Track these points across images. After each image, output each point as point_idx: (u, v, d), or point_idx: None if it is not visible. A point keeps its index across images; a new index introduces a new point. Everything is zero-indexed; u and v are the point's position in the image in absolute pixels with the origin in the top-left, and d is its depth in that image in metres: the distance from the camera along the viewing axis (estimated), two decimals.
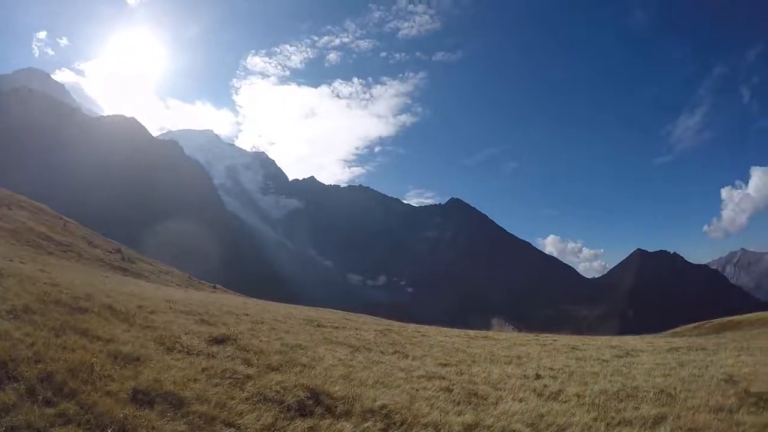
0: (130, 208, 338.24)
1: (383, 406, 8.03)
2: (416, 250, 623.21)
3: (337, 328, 20.33)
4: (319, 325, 20.22)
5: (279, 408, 7.34)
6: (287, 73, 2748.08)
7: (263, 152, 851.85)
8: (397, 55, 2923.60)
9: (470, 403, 9.16)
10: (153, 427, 5.96)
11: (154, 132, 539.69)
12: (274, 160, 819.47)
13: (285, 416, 7.14)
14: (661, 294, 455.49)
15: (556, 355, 17.37)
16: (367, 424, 7.28)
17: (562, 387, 11.08)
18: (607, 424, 8.25)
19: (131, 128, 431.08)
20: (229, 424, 6.54)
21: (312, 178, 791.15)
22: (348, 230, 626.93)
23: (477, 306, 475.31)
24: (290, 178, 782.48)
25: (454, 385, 10.53)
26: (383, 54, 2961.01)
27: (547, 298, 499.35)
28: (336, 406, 7.91)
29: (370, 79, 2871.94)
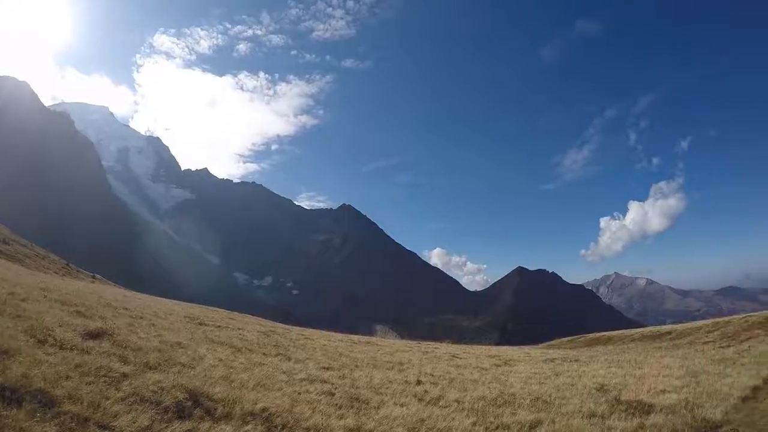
0: (8, 179, 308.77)
1: (264, 409, 7.87)
2: (304, 253, 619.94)
3: (219, 327, 19.82)
4: (201, 324, 19.62)
5: (156, 409, 6.90)
6: (194, 57, 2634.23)
7: (158, 137, 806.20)
8: (308, 55, 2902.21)
9: (352, 407, 9.25)
10: (21, 429, 5.38)
11: (47, 101, 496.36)
12: (168, 147, 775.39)
13: (162, 418, 6.73)
14: (539, 309, 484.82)
15: (437, 362, 17.86)
16: (247, 428, 7.09)
17: (443, 393, 11.46)
18: (486, 428, 8.64)
19: (22, 94, 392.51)
20: (103, 427, 6.05)
21: (205, 170, 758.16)
22: (237, 227, 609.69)
23: (361, 312, 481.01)
24: (183, 168, 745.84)
25: (336, 389, 10.59)
26: (294, 52, 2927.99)
27: (430, 307, 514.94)
28: (216, 409, 7.61)
29: (276, 75, 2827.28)
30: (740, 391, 12.22)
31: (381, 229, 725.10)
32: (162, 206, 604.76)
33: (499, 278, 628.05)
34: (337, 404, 9.23)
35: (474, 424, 8.82)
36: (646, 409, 10.46)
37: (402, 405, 9.77)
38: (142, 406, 6.86)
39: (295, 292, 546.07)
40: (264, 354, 14.55)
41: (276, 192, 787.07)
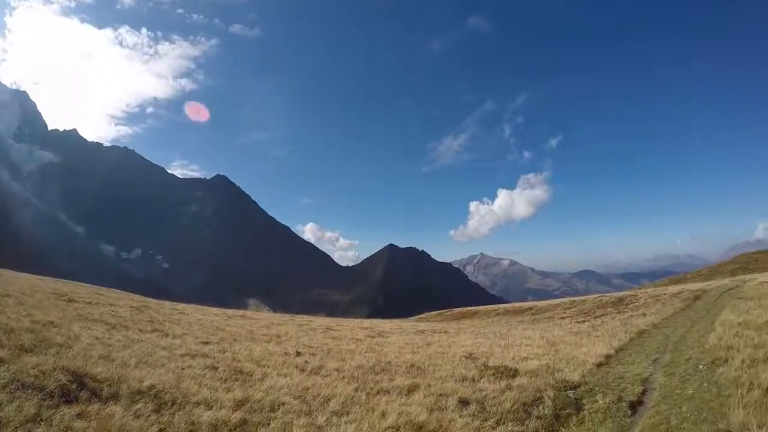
0: None
1: (151, 387, 7.71)
2: (175, 224, 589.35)
3: (90, 303, 18.97)
4: (70, 300, 18.71)
5: (41, 395, 6.57)
6: (73, 4, 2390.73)
7: (25, 92, 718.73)
8: (196, 15, 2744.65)
9: (237, 380, 9.29)
10: None
11: None
12: (35, 103, 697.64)
13: (49, 404, 6.42)
14: (408, 284, 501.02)
15: (313, 335, 18.18)
16: (137, 407, 6.89)
17: (323, 363, 11.78)
18: (368, 394, 9.04)
19: None
20: None
21: (74, 131, 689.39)
22: (105, 195, 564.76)
23: (233, 286, 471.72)
24: (50, 127, 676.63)
25: (218, 362, 10.56)
26: (181, 11, 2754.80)
27: (302, 282, 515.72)
28: (102, 389, 7.34)
29: (159, 33, 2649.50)
30: (595, 358, 13.72)
31: (255, 202, 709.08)
32: (24, 168, 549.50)
33: (371, 254, 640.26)
34: (221, 378, 9.25)
35: (356, 390, 9.23)
36: (511, 373, 11.44)
37: (285, 375, 9.99)
38: (26, 392, 6.54)
39: (165, 265, 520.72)
40: (140, 330, 14.15)
41: (148, 158, 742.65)
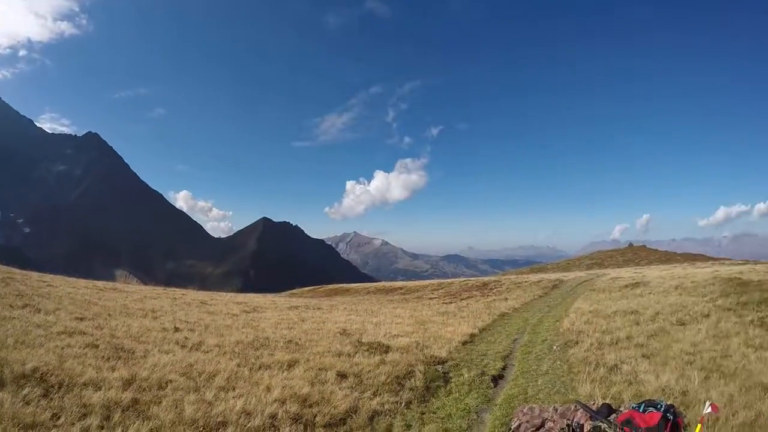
0: None
1: (35, 369, 7.29)
2: (40, 184, 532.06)
3: None
4: None
5: None
6: None
7: None
8: None
9: (120, 358, 9.02)
10: None
11: None
12: None
13: None
14: (281, 259, 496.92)
15: (188, 309, 17.87)
16: (25, 392, 6.49)
17: (202, 339, 11.77)
18: (250, 369, 9.23)
19: None
20: None
21: None
22: None
23: (100, 254, 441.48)
24: None
25: (98, 340, 10.11)
26: None
27: (173, 252, 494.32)
28: None
29: None
30: (460, 337, 14.89)
31: (127, 165, 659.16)
32: None
33: (245, 226, 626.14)
34: (104, 356, 8.91)
35: (238, 365, 9.39)
36: (384, 349, 12.13)
37: (167, 352, 9.87)
38: None
39: (26, 229, 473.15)
40: (10, 306, 13.02)
41: (15, 108, 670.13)
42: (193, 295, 25.25)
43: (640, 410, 7.09)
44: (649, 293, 21.96)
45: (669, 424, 6.73)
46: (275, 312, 20.03)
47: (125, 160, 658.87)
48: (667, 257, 76.21)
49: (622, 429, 6.86)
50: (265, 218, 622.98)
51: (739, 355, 10.44)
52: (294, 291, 55.28)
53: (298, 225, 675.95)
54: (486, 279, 48.57)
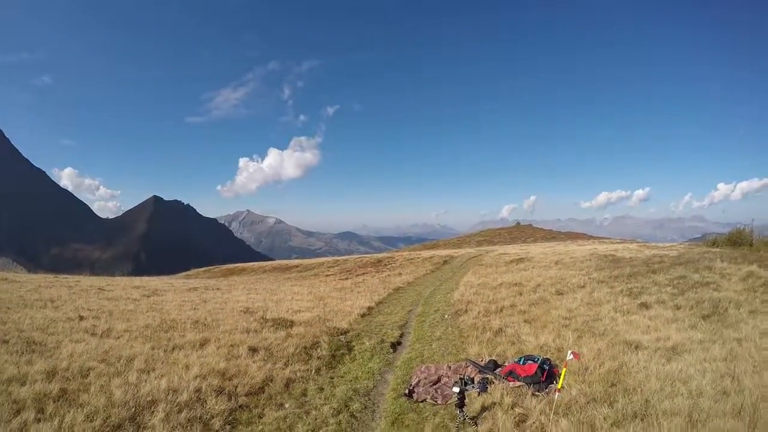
0: None
1: None
2: None
3: None
4: None
5: None
6: None
7: None
8: None
9: (34, 351, 8.81)
10: None
11: None
12: None
13: None
14: (173, 240, 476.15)
15: (87, 297, 17.36)
16: None
17: (110, 325, 11.67)
18: (165, 350, 9.47)
19: None
20: None
21: None
22: None
23: None
24: None
25: (6, 335, 9.76)
26: None
27: (57, 236, 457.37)
28: None
29: None
30: (359, 310, 15.81)
31: (7, 139, 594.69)
32: None
33: (134, 206, 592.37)
34: (17, 351, 8.68)
35: (153, 348, 9.52)
36: (288, 324, 12.69)
37: (79, 341, 9.72)
38: None
39: None
40: None
41: None
42: (87, 281, 24.27)
43: (521, 363, 8.31)
44: (533, 267, 23.76)
45: (545, 373, 7.92)
46: (176, 294, 19.87)
47: (5, 134, 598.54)
48: (552, 235, 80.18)
49: (505, 378, 8.02)
50: (155, 197, 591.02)
51: (609, 319, 11.96)
52: (189, 272, 54.06)
53: (190, 204, 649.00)
54: (380, 255, 49.83)
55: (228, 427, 6.72)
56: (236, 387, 7.83)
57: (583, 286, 16.78)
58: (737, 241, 25.18)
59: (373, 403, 7.95)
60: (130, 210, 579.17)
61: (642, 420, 6.02)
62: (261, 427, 6.83)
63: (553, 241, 62.67)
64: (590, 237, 75.29)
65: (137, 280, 28.15)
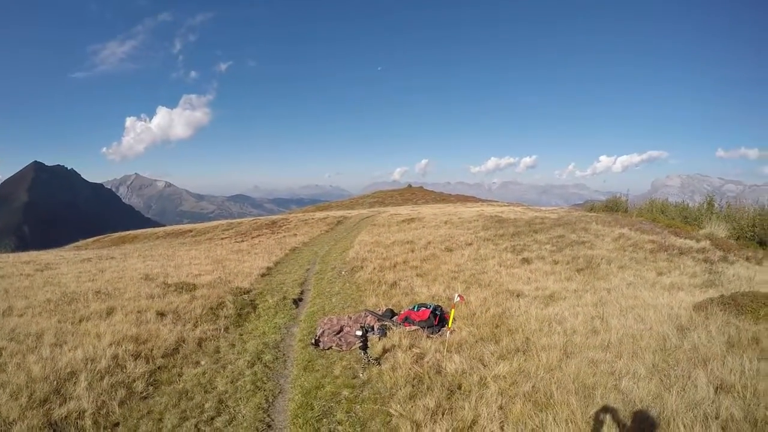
0: None
1: None
2: None
3: None
4: None
5: None
6: None
7: None
8: None
9: None
10: None
11: None
12: None
13: None
14: (58, 209, 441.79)
15: None
16: None
17: (9, 303, 11.02)
18: (73, 323, 9.29)
19: None
20: None
21: None
22: None
23: None
24: None
25: None
26: None
27: None
28: None
29: None
30: (259, 270, 16.07)
31: None
32: None
33: (13, 174, 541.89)
34: None
35: (59, 321, 9.23)
36: (191, 287, 12.67)
37: None
38: None
39: None
40: None
41: None
42: None
43: (415, 310, 9.04)
44: (423, 227, 24.84)
45: (437, 318, 8.69)
46: (70, 266, 18.89)
47: None
48: (442, 198, 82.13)
49: (402, 324, 8.70)
50: (36, 163, 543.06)
51: (494, 272, 13.18)
52: (78, 244, 51.02)
53: (74, 168, 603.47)
54: (275, 217, 49.56)
55: (151, 388, 6.84)
56: (152, 350, 7.91)
57: (470, 244, 17.93)
58: (613, 207, 27.95)
59: (284, 354, 8.37)
60: (8, 179, 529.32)
61: (524, 354, 7.01)
62: (182, 384, 7.01)
63: (444, 203, 64.62)
64: (479, 200, 78.28)
65: (25, 256, 26.32)
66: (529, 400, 5.62)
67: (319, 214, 46.38)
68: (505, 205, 49.78)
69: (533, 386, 5.94)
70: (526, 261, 14.35)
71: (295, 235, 28.85)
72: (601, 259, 13.61)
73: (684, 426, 4.79)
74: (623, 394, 5.56)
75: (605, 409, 5.21)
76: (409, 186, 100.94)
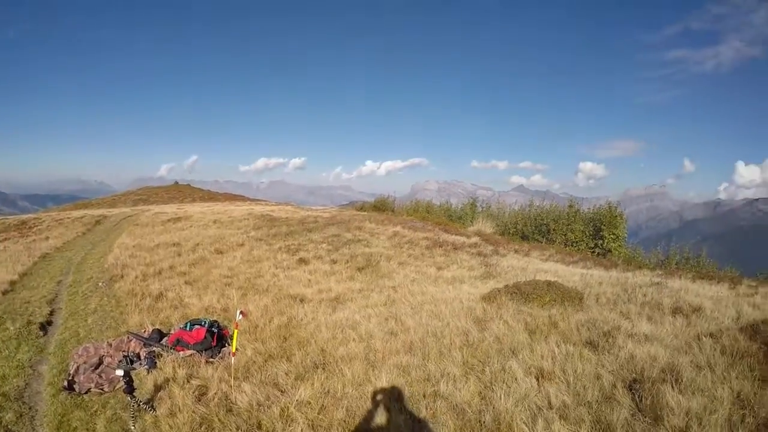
0: None
1: None
2: None
3: None
4: None
5: None
6: None
7: None
8: None
9: None
10: None
11: None
12: None
13: None
14: None
15: None
16: None
17: None
18: None
19: None
20: None
21: None
22: None
23: None
24: None
25: None
26: None
27: None
28: None
29: None
30: None
31: None
32: None
33: None
34: None
35: None
36: None
37: None
38: None
39: None
40: None
41: None
42: None
43: (188, 329, 7.67)
44: (191, 227, 22.92)
45: (215, 336, 7.49)
46: None
47: None
48: (210, 196, 77.74)
49: (174, 349, 7.30)
50: None
51: (270, 275, 12.30)
52: None
53: None
54: (24, 217, 41.95)
55: None
56: None
57: (242, 245, 16.88)
58: (381, 207, 29.71)
59: (30, 408, 6.07)
60: None
61: (324, 369, 6.13)
62: None
63: (212, 202, 61.89)
64: (248, 199, 76.57)
65: None
66: (348, 430, 4.79)
67: (76, 213, 40.63)
68: (274, 205, 49.29)
69: (347, 410, 5.07)
70: (303, 261, 13.86)
71: (47, 238, 24.39)
72: (380, 256, 13.71)
73: (525, 423, 4.51)
74: (447, 400, 5.11)
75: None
76: (176, 183, 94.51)
